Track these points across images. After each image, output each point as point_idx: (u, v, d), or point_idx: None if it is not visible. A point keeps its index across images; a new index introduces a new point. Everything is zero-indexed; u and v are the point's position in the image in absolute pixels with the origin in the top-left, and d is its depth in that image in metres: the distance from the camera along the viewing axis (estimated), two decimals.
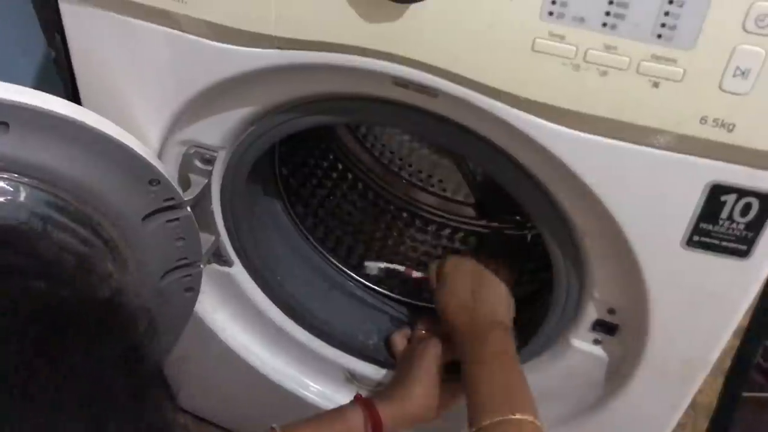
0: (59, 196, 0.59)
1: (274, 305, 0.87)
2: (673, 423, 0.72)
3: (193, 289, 0.75)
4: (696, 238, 0.56)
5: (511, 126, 0.55)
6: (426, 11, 0.51)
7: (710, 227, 0.55)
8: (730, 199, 0.54)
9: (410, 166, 1.00)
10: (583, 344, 0.72)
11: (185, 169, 0.72)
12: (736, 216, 0.54)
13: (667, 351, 0.65)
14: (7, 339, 0.33)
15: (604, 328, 0.69)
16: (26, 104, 0.55)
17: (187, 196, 0.69)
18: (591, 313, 0.69)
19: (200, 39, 0.59)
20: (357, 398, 0.75)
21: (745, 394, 0.93)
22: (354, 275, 0.94)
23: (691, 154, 0.52)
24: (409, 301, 0.93)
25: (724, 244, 0.56)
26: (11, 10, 0.89)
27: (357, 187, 1.01)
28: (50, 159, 0.57)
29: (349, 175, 1.00)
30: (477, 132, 0.61)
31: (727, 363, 0.89)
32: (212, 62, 0.60)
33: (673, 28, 0.47)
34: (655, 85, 0.49)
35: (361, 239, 0.99)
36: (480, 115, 0.56)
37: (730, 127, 0.49)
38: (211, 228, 0.77)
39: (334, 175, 1.00)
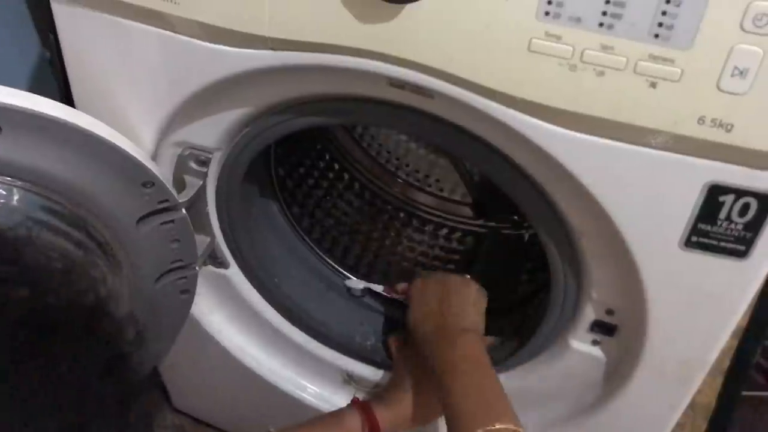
0: (52, 199, 0.58)
1: (270, 307, 0.86)
2: (672, 423, 0.72)
3: (189, 292, 0.75)
4: (694, 238, 0.56)
5: (507, 126, 0.55)
6: (421, 11, 0.51)
7: (708, 228, 0.55)
8: (729, 199, 0.53)
9: (407, 165, 1.00)
10: (582, 345, 0.71)
11: (180, 170, 0.71)
12: (735, 216, 0.54)
13: (666, 351, 0.65)
14: None
15: (603, 328, 0.69)
16: (18, 106, 0.54)
17: (182, 197, 0.68)
18: (589, 313, 0.68)
19: (193, 40, 0.58)
20: (354, 401, 0.75)
21: (744, 393, 0.93)
22: (351, 276, 0.93)
23: (688, 154, 0.52)
24: (406, 302, 0.93)
25: (723, 244, 0.56)
26: (5, 10, 0.89)
27: (353, 187, 1.00)
28: (43, 161, 0.57)
29: (346, 176, 1.00)
30: (473, 132, 0.60)
31: (726, 363, 0.88)
32: (205, 63, 0.59)
33: (670, 27, 0.47)
34: (653, 85, 0.49)
35: (357, 240, 0.98)
36: (476, 115, 0.55)
37: (729, 127, 0.49)
38: (206, 229, 0.77)
39: (331, 175, 0.99)
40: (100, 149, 0.59)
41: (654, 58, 0.48)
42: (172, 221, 0.67)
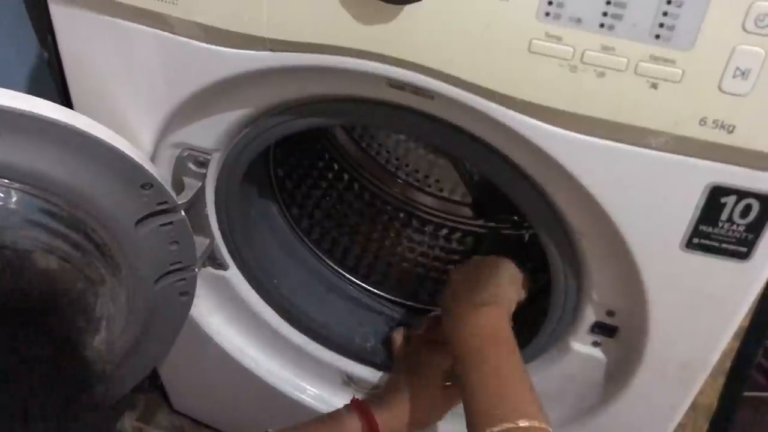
0: (51, 201, 0.58)
1: (269, 308, 0.86)
2: (674, 425, 0.71)
3: (188, 293, 0.74)
4: (695, 240, 0.56)
5: (507, 128, 0.54)
6: (421, 12, 0.51)
7: (710, 229, 0.55)
8: (730, 200, 0.53)
9: (407, 166, 1.00)
10: (582, 346, 0.71)
11: (179, 172, 0.71)
12: (736, 218, 0.54)
13: (667, 353, 0.64)
14: None
15: (604, 330, 0.69)
16: (16, 108, 0.54)
17: (181, 199, 0.68)
18: (590, 315, 0.68)
19: (192, 41, 0.58)
20: (353, 403, 0.74)
21: (746, 394, 0.93)
22: (350, 277, 0.93)
23: (690, 155, 0.51)
24: (406, 303, 0.92)
25: (724, 246, 0.55)
26: (3, 10, 0.88)
27: (353, 187, 1.00)
28: (41, 163, 0.57)
29: (345, 176, 1.00)
30: (473, 133, 0.60)
31: (728, 364, 0.88)
32: (204, 64, 0.59)
33: (671, 28, 0.46)
34: (654, 86, 0.48)
35: (357, 240, 0.98)
36: (476, 116, 0.55)
37: (730, 128, 0.49)
38: (205, 231, 0.77)
39: (330, 175, 0.99)
40: (98, 151, 0.59)
41: (655, 58, 0.48)
42: (171, 223, 0.67)
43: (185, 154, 0.70)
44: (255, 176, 0.82)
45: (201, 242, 0.76)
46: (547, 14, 0.48)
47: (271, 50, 0.56)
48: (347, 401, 0.89)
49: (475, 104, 0.54)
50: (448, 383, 0.76)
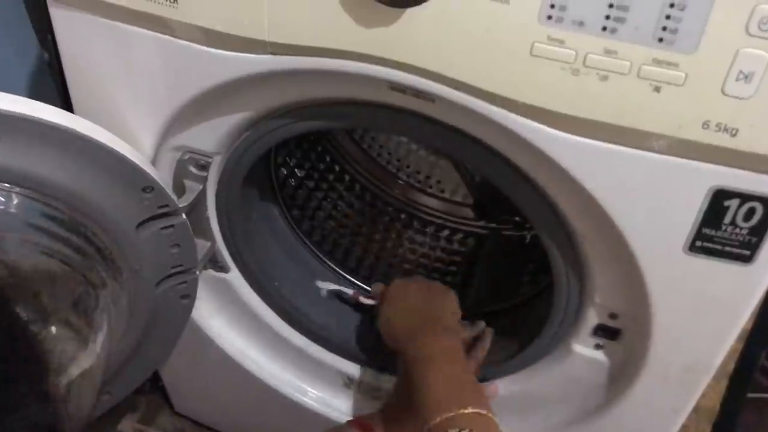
0: (51, 205, 0.58)
1: (270, 310, 0.86)
2: (677, 428, 0.71)
3: (189, 296, 0.74)
4: (698, 243, 0.55)
5: (509, 131, 0.54)
6: (422, 15, 0.50)
7: (713, 232, 0.55)
8: (733, 204, 0.53)
9: (408, 167, 1.00)
10: (585, 349, 0.71)
11: (180, 175, 0.71)
12: (739, 221, 0.54)
13: (670, 356, 0.64)
14: None
15: (606, 332, 0.68)
16: (16, 112, 0.54)
17: (182, 202, 0.68)
18: (592, 317, 0.68)
19: (192, 44, 0.58)
20: (355, 421, 0.73)
21: (749, 396, 0.93)
22: (352, 279, 0.93)
23: (693, 158, 0.51)
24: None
25: (728, 249, 0.55)
26: (4, 11, 0.88)
27: (354, 189, 1.00)
28: (41, 167, 0.57)
29: (346, 177, 1.00)
30: (475, 136, 0.60)
31: (731, 366, 0.88)
32: (205, 68, 0.59)
33: (674, 31, 0.46)
34: (657, 89, 0.48)
35: (358, 242, 0.98)
36: (478, 120, 0.55)
37: (733, 131, 0.48)
38: (206, 234, 0.77)
39: (331, 177, 0.99)
40: (99, 154, 0.59)
41: (658, 62, 0.47)
42: (172, 226, 0.67)
43: (186, 157, 0.70)
44: (256, 178, 0.81)
45: (202, 245, 0.76)
46: (549, 17, 0.48)
47: (272, 53, 0.56)
48: (348, 403, 0.89)
49: (477, 107, 0.54)
50: None
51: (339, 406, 0.89)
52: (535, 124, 0.53)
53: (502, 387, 0.77)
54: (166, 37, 0.58)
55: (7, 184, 0.56)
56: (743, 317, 0.60)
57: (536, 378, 0.76)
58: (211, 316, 0.87)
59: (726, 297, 0.58)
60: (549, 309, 0.70)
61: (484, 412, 0.60)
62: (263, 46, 0.56)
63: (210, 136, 0.67)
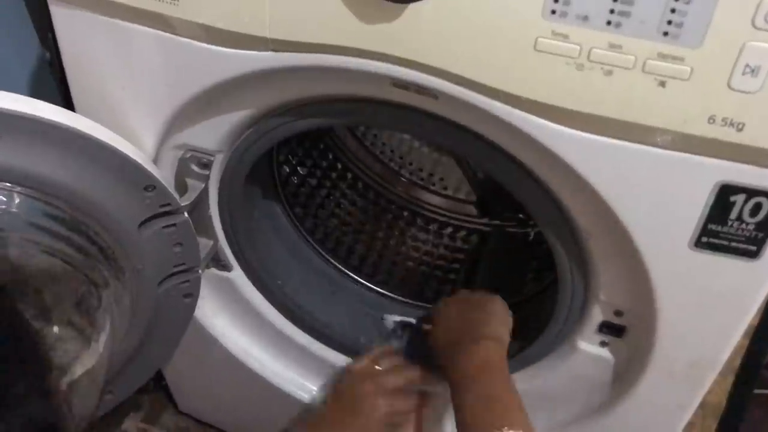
0: (53, 204, 0.58)
1: (274, 308, 0.86)
2: (682, 425, 0.71)
3: (192, 295, 0.74)
4: (704, 239, 0.55)
5: (513, 127, 0.54)
6: (425, 11, 0.50)
7: (719, 228, 0.54)
8: (740, 199, 0.52)
9: (411, 164, 0.99)
10: (590, 346, 0.70)
11: (182, 173, 0.71)
12: (746, 216, 0.53)
13: (676, 353, 0.64)
14: None
15: (611, 329, 0.68)
16: (17, 111, 0.54)
17: (184, 201, 0.68)
18: (597, 314, 0.67)
19: (193, 42, 0.57)
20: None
21: (755, 392, 0.92)
22: (355, 276, 0.93)
23: (698, 153, 0.51)
24: (410, 302, 0.92)
25: (734, 244, 0.55)
26: (4, 9, 0.88)
27: (357, 186, 1.00)
28: (43, 167, 0.56)
29: (349, 175, 0.99)
30: (478, 133, 0.59)
31: (737, 362, 0.88)
32: (206, 65, 0.59)
33: (679, 25, 0.46)
34: (662, 84, 0.48)
35: (361, 240, 0.98)
36: (481, 116, 0.54)
37: (740, 126, 0.48)
38: (209, 232, 0.76)
39: (334, 175, 0.98)
40: (100, 153, 0.58)
41: (663, 56, 0.47)
42: (175, 225, 0.66)
43: (188, 155, 0.69)
44: (258, 176, 0.81)
45: (205, 244, 0.76)
46: (553, 12, 0.47)
47: (273, 50, 0.56)
48: None
49: (480, 104, 0.53)
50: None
51: None
52: (539, 120, 0.52)
53: None
54: (167, 34, 0.58)
55: (8, 184, 0.56)
56: (750, 313, 0.59)
57: (541, 375, 0.76)
58: (214, 315, 0.86)
59: (732, 293, 0.58)
60: (553, 306, 0.70)
61: None
62: (264, 43, 0.55)
63: (212, 134, 0.67)
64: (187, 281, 0.72)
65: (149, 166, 0.62)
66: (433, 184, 0.99)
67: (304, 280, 0.89)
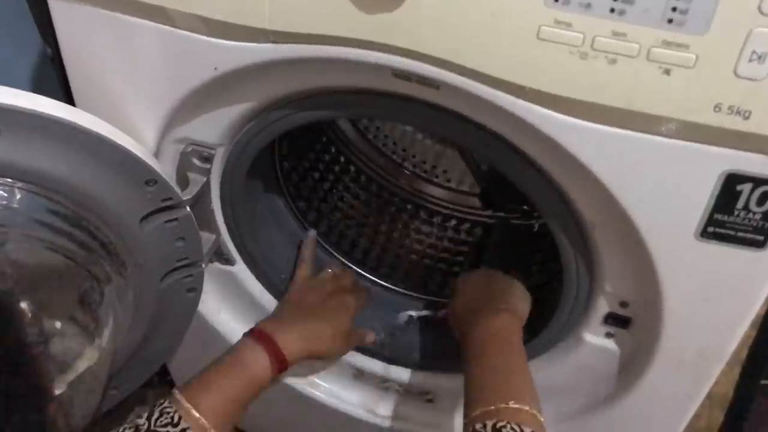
0: (54, 200, 0.58)
1: (277, 302, 0.85)
2: (689, 415, 0.70)
3: (195, 290, 0.74)
4: (710, 229, 0.55)
5: (516, 117, 0.53)
6: (426, 0, 0.49)
7: (725, 218, 0.54)
8: (746, 188, 0.52)
9: (414, 156, 0.99)
10: (595, 338, 0.70)
11: (183, 167, 0.70)
12: (753, 206, 0.53)
13: (682, 344, 0.63)
14: None
15: (617, 321, 0.68)
16: (17, 107, 0.54)
17: (186, 195, 0.67)
18: (602, 306, 0.67)
19: (192, 34, 0.57)
20: (256, 333, 0.71)
21: (762, 382, 0.92)
22: (359, 269, 0.92)
23: (704, 142, 0.50)
24: (415, 294, 0.92)
25: (740, 234, 0.54)
26: (5, 5, 0.88)
27: (360, 179, 0.99)
28: (44, 162, 0.56)
29: (352, 168, 0.99)
30: (481, 123, 0.59)
31: (744, 352, 0.87)
32: (206, 58, 0.58)
33: (684, 12, 0.45)
34: (667, 72, 0.47)
35: (365, 233, 0.97)
36: (484, 106, 0.54)
37: (746, 114, 0.47)
38: (211, 227, 0.76)
39: (336, 168, 0.98)
40: (101, 148, 0.58)
41: (668, 44, 0.46)
42: (177, 219, 0.66)
43: (189, 149, 0.69)
44: (260, 170, 0.81)
45: (207, 238, 0.76)
46: (556, 0, 0.47)
47: (273, 42, 0.55)
48: (358, 395, 0.89)
49: (483, 94, 0.53)
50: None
51: (348, 398, 0.89)
52: (543, 110, 0.52)
53: None
54: (167, 27, 0.57)
55: (9, 179, 0.55)
56: (757, 303, 0.59)
57: (546, 367, 0.75)
58: (217, 309, 0.86)
59: (739, 283, 0.57)
60: (558, 298, 0.70)
61: (526, 408, 0.58)
62: (265, 35, 0.55)
63: (212, 127, 0.67)
64: (190, 276, 0.72)
65: (150, 161, 0.62)
66: (437, 177, 0.99)
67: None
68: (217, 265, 0.82)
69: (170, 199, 0.64)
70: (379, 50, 0.53)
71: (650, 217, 0.56)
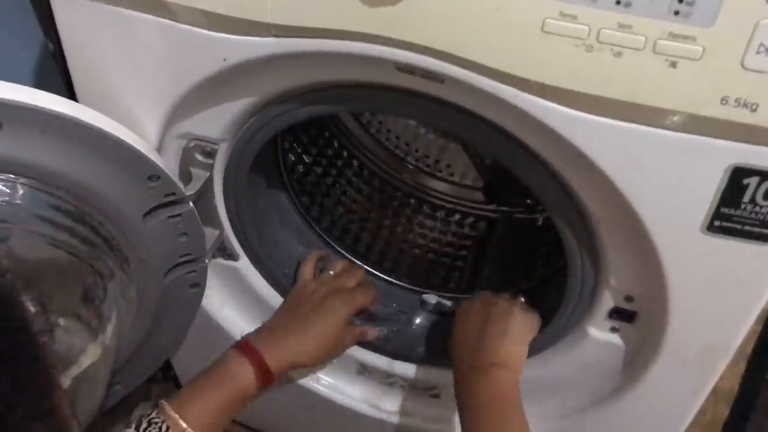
0: (57, 195, 0.58)
1: (281, 298, 0.85)
2: (694, 410, 0.70)
3: (199, 285, 0.74)
4: (717, 223, 0.54)
5: (520, 110, 0.53)
6: None
7: (732, 211, 0.53)
8: (753, 181, 0.51)
9: (417, 151, 0.98)
10: (600, 332, 0.70)
11: (186, 162, 0.70)
12: (760, 199, 0.52)
13: (688, 338, 0.63)
14: None
15: (622, 315, 0.67)
16: (19, 102, 0.53)
17: (189, 190, 0.67)
18: (607, 300, 0.67)
19: (194, 28, 0.56)
20: (242, 346, 0.72)
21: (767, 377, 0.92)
22: (362, 264, 0.92)
23: (711, 135, 0.50)
24: (418, 289, 0.91)
25: (747, 228, 0.54)
26: (7, 1, 0.87)
27: (363, 174, 0.99)
28: (46, 157, 0.56)
29: (355, 162, 0.99)
30: (485, 117, 0.58)
31: (749, 347, 0.87)
32: (208, 52, 0.58)
33: (691, 4, 0.45)
34: (673, 64, 0.47)
35: (368, 227, 0.97)
36: (488, 100, 0.54)
37: (753, 106, 0.47)
38: (214, 222, 0.76)
39: (339, 162, 0.98)
40: (103, 143, 0.58)
41: (674, 36, 0.46)
42: (180, 215, 0.66)
43: (192, 144, 0.69)
44: (263, 165, 0.81)
45: (210, 233, 0.75)
46: None
47: (276, 36, 0.55)
48: (361, 390, 0.89)
49: (487, 87, 0.52)
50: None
51: (352, 393, 0.89)
52: (547, 103, 0.51)
53: None
54: (168, 21, 0.57)
55: (12, 175, 0.55)
56: (762, 298, 0.58)
57: (551, 362, 0.75)
58: (221, 305, 0.86)
59: (745, 278, 0.57)
60: (563, 293, 0.69)
61: None
62: (267, 29, 0.54)
63: (215, 122, 0.66)
64: (194, 271, 0.72)
65: (153, 156, 0.61)
66: (440, 171, 0.99)
67: None
68: (220, 260, 0.82)
69: (173, 194, 0.64)
70: (382, 44, 0.53)
71: (656, 210, 0.55)
